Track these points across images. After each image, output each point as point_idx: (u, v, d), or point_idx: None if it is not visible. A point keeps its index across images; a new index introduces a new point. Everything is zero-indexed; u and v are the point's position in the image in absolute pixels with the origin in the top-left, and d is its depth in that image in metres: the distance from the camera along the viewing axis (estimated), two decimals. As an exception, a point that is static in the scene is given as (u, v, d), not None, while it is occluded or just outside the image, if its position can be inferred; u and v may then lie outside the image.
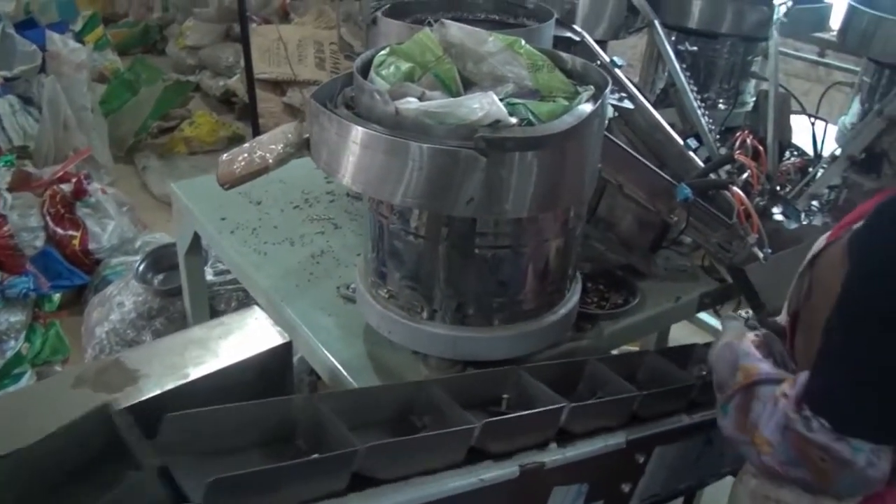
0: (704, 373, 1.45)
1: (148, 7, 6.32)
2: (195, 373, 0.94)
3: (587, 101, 1.17)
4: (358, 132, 1.09)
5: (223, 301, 2.31)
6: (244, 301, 2.27)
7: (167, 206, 3.85)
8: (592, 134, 1.16)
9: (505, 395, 1.19)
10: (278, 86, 4.94)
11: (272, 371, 1.00)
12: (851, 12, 2.09)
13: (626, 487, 1.33)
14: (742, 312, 1.32)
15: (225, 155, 1.29)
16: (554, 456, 1.12)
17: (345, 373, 1.32)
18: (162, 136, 4.77)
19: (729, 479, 1.62)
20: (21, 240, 2.98)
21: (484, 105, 1.07)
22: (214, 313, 2.21)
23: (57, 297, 2.99)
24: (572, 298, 1.38)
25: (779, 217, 1.88)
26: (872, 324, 0.88)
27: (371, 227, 1.30)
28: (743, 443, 1.02)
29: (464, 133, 1.06)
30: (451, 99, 1.12)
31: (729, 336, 1.17)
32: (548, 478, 1.13)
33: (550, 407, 1.11)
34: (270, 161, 1.21)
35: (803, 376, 0.95)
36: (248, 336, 1.02)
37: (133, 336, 2.30)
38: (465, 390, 1.15)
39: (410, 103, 1.10)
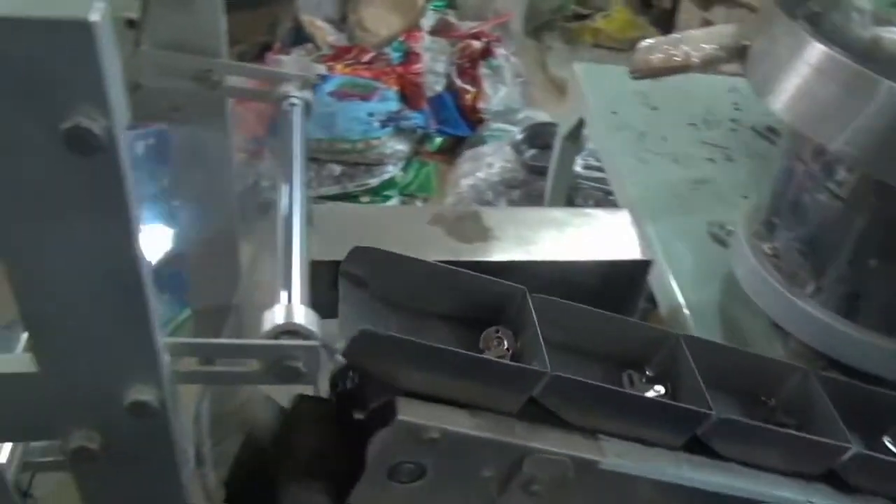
0: None
1: None
2: (541, 254, 0.87)
3: None
4: (816, 51, 0.89)
5: (581, 196, 2.25)
6: (602, 201, 2.19)
7: (558, 89, 3.88)
8: None
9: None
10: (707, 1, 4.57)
11: (620, 286, 0.89)
12: None
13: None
14: None
15: (645, 41, 1.17)
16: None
17: (688, 314, 1.18)
18: (574, 21, 4.75)
19: None
20: (426, 80, 3.22)
21: None
22: (569, 204, 2.17)
23: (439, 140, 3.19)
24: None
25: None
26: None
27: (781, 167, 1.10)
28: None
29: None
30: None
31: None
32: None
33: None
34: (696, 60, 1.06)
35: None
36: (607, 237, 0.92)
37: (490, 198, 2.37)
38: (847, 399, 0.91)
39: (899, 33, 0.87)
